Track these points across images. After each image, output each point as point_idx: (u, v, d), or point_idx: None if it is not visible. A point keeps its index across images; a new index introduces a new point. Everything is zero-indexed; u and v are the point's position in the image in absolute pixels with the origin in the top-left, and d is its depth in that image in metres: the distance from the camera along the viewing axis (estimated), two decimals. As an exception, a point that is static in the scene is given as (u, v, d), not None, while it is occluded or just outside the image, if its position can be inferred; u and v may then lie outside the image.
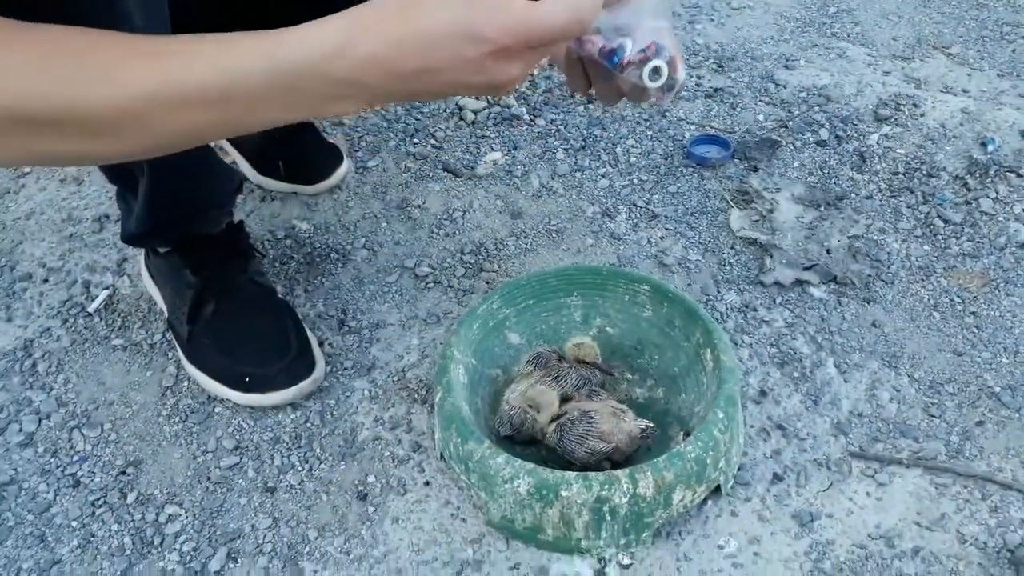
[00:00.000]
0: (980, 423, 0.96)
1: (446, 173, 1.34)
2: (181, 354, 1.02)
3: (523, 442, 0.91)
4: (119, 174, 0.94)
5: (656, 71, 0.66)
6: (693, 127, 1.41)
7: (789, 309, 1.10)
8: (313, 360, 1.00)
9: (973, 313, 1.09)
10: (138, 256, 1.17)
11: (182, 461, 0.95)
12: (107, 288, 1.16)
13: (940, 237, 1.20)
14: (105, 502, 0.91)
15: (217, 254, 1.02)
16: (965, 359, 1.03)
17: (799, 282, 1.13)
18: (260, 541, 0.87)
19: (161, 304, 1.07)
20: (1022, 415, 0.96)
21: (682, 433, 0.88)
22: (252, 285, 1.03)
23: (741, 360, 1.02)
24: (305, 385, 0.98)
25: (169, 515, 0.90)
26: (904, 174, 1.30)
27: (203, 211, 1.00)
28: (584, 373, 0.92)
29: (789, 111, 1.43)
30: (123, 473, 0.94)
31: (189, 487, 0.92)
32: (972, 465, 0.91)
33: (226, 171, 1.01)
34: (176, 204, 0.96)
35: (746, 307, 1.10)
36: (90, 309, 1.13)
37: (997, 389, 0.99)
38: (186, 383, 1.03)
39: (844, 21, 1.72)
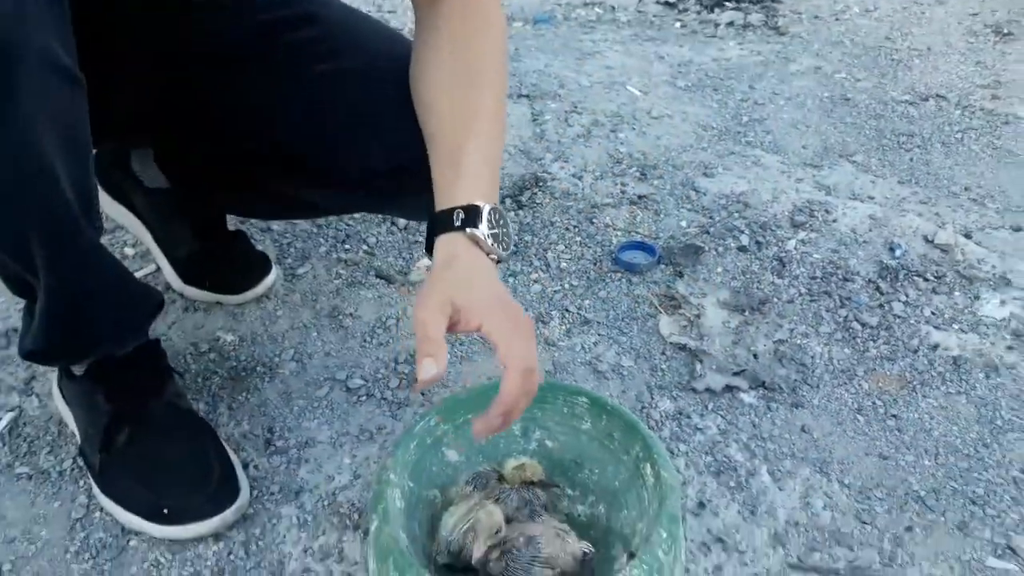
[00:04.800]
0: (909, 528, 0.98)
1: (379, 280, 1.33)
2: (93, 484, 0.96)
3: (463, 569, 0.87)
4: (19, 286, 0.88)
5: None
6: (619, 233, 1.45)
7: (721, 415, 1.11)
8: (237, 486, 0.95)
9: (894, 416, 1.13)
10: (48, 374, 1.10)
11: (91, 604, 0.88)
12: (12, 410, 1.08)
13: (859, 340, 1.25)
14: (1, 656, 0.83)
15: (133, 377, 0.96)
16: (890, 463, 1.06)
17: (729, 387, 1.15)
18: None
19: (73, 428, 1.01)
20: (947, 519, 0.99)
21: (626, 554, 0.87)
22: (169, 409, 0.98)
23: (678, 470, 1.02)
24: (228, 514, 0.92)
25: (75, 668, 0.82)
26: (822, 278, 1.36)
27: (110, 334, 0.94)
28: (526, 495, 0.90)
29: (710, 217, 1.49)
30: (23, 621, 0.86)
31: (98, 634, 0.85)
32: (905, 573, 0.93)
33: (142, 291, 0.96)
34: (76, 324, 0.89)
35: (680, 414, 1.11)
36: (-8, 433, 1.05)
37: (922, 493, 1.02)
38: (98, 514, 0.96)
39: (757, 130, 1.83)
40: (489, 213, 0.81)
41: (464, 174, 0.82)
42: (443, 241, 0.81)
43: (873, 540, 0.96)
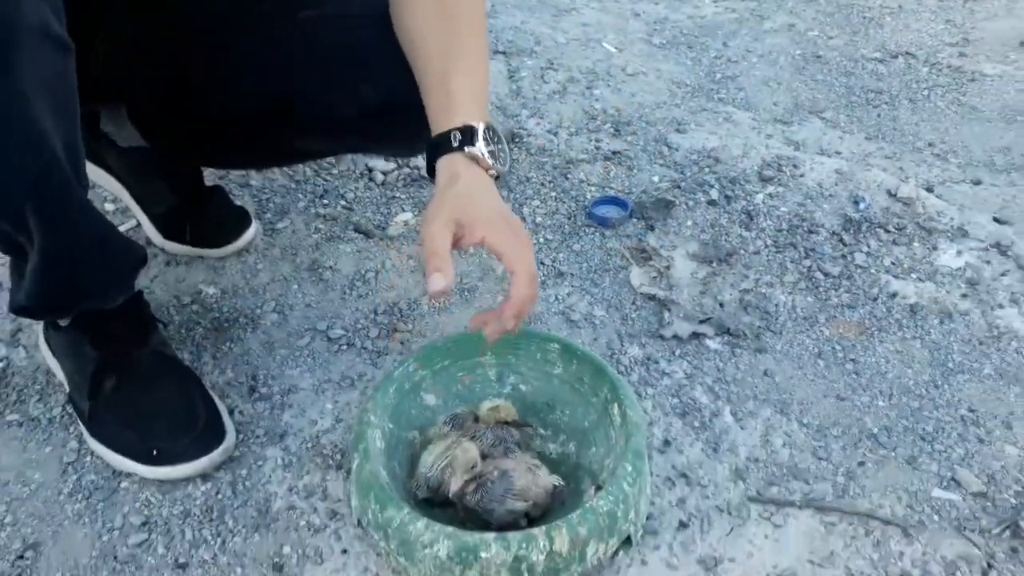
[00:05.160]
0: (862, 463, 1.04)
1: (357, 234, 1.36)
2: (83, 429, 0.99)
3: (441, 504, 0.92)
4: (9, 244, 0.90)
5: None
6: (593, 188, 1.48)
7: (688, 361, 1.16)
8: (223, 430, 0.99)
9: (852, 360, 1.18)
10: (34, 326, 1.13)
11: (86, 541, 0.92)
12: (0, 360, 1.11)
13: (821, 289, 1.30)
14: (1, 590, 0.87)
15: (118, 327, 0.99)
16: (847, 403, 1.12)
17: (696, 335, 1.20)
18: (171, 621, 0.85)
19: (61, 377, 1.04)
20: (897, 454, 1.05)
21: (594, 487, 0.92)
22: (155, 356, 1.01)
23: (645, 411, 1.07)
24: (215, 456, 0.96)
25: (72, 600, 0.86)
26: (787, 231, 1.40)
27: (99, 289, 0.97)
28: (500, 433, 0.95)
29: (682, 172, 1.53)
30: (21, 558, 0.90)
31: (95, 568, 0.89)
32: (856, 503, 0.99)
33: (126, 247, 0.98)
34: (68, 281, 0.93)
35: (648, 360, 1.16)
36: (-19, 383, 1.08)
37: (875, 430, 1.08)
38: (89, 458, 0.99)
39: (729, 87, 1.86)
40: (484, 131, 0.85)
41: (455, 97, 0.86)
42: (443, 163, 0.85)
43: (828, 474, 1.02)
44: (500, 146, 0.87)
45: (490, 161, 0.85)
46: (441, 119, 0.86)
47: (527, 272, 0.82)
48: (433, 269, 0.78)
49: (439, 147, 0.86)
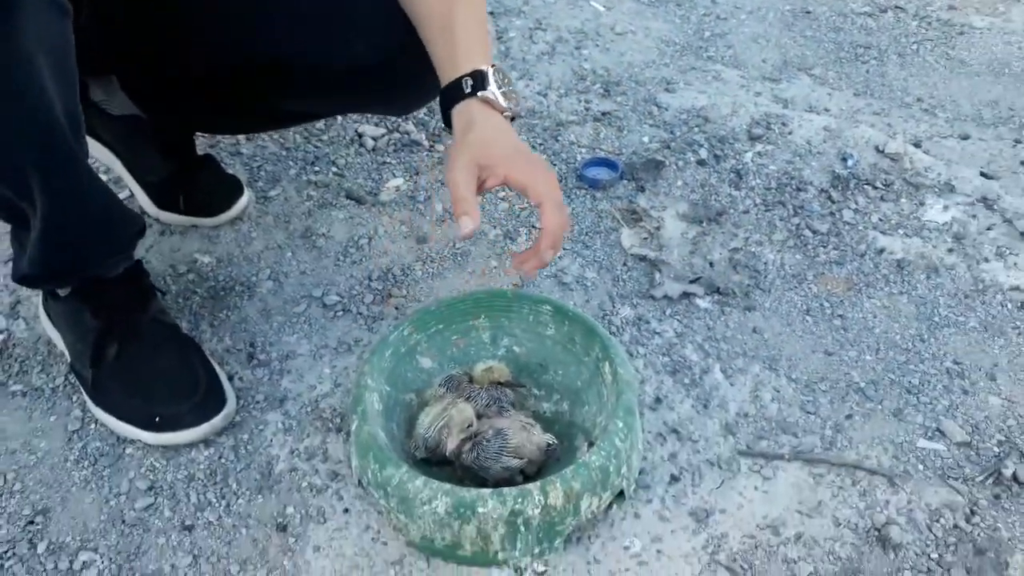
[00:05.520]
0: (849, 416, 1.07)
1: (349, 200, 1.36)
2: (86, 397, 1.01)
3: (438, 463, 0.95)
4: (11, 212, 0.92)
5: None
6: (584, 150, 1.49)
7: (678, 320, 1.18)
8: (224, 396, 1.01)
9: (840, 316, 1.21)
10: (33, 298, 1.14)
11: (94, 505, 0.94)
12: (1, 332, 1.12)
13: (810, 247, 1.31)
14: (14, 554, 0.90)
15: (118, 296, 1.01)
16: (834, 358, 1.14)
17: (686, 295, 1.22)
18: (180, 580, 0.88)
19: (62, 347, 1.05)
20: (884, 407, 1.08)
21: (587, 443, 0.95)
22: (155, 324, 1.03)
23: (637, 370, 1.10)
24: (217, 421, 0.98)
25: (84, 561, 0.89)
26: (776, 189, 1.41)
27: (101, 256, 0.98)
28: (494, 393, 0.97)
29: (671, 132, 1.53)
30: (31, 523, 0.92)
31: (103, 531, 0.92)
32: (844, 455, 1.02)
33: (126, 216, 0.99)
34: (71, 248, 0.94)
35: (639, 320, 1.18)
36: (-17, 355, 1.09)
37: (862, 384, 1.11)
38: (93, 426, 1.01)
39: (718, 45, 1.85)
40: (494, 74, 0.87)
41: (460, 43, 0.87)
42: (458, 110, 0.87)
43: (816, 428, 1.05)
44: (511, 87, 0.88)
45: (504, 103, 0.87)
46: (448, 66, 0.87)
47: (554, 201, 0.84)
48: (461, 213, 0.82)
49: (452, 95, 0.87)
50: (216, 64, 1.00)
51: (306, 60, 0.97)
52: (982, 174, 1.45)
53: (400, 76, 0.96)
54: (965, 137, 1.56)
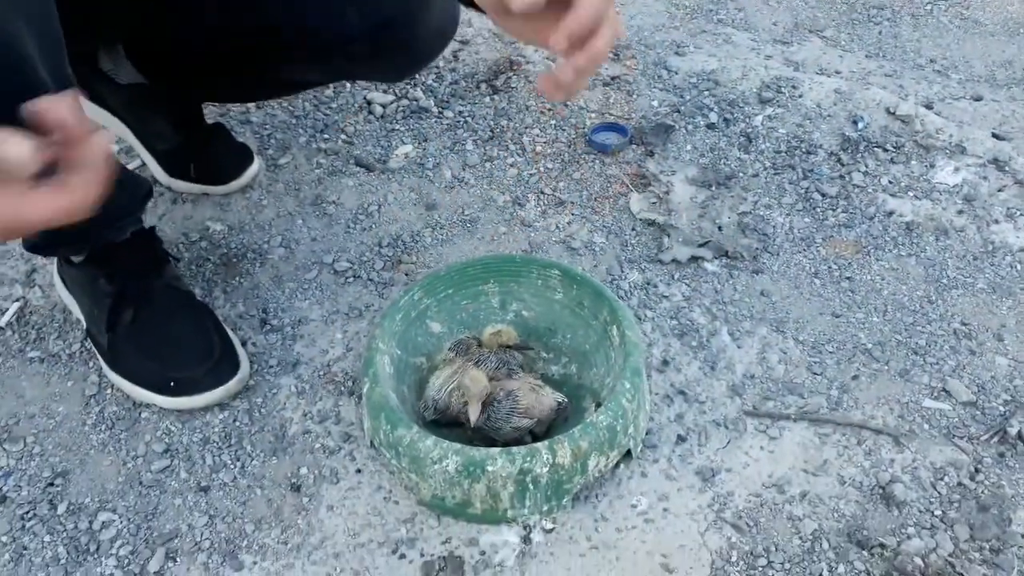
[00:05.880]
0: (855, 377, 1.07)
1: (359, 168, 1.37)
2: (103, 362, 1.03)
3: (448, 424, 0.96)
4: None
5: None
6: (593, 115, 1.48)
7: (686, 284, 1.19)
8: (237, 360, 1.02)
9: (848, 278, 1.21)
10: (48, 266, 1.16)
11: (112, 468, 0.96)
12: (17, 300, 1.14)
13: (819, 210, 1.31)
14: (35, 514, 0.92)
15: (132, 261, 1.02)
16: (842, 320, 1.15)
17: (694, 258, 1.22)
18: (198, 539, 0.90)
19: (78, 314, 1.07)
20: (890, 367, 1.08)
21: (594, 404, 0.96)
22: (169, 290, 1.05)
23: (644, 333, 1.11)
24: (231, 385, 1.00)
25: (103, 522, 0.92)
26: (786, 152, 1.41)
27: (110, 220, 0.99)
28: (503, 356, 0.98)
29: (681, 96, 1.52)
30: (51, 485, 0.95)
31: (121, 492, 0.94)
32: (849, 415, 1.03)
33: (133, 179, 1.01)
34: None
35: (647, 284, 1.19)
36: (1, 323, 1.11)
37: (869, 345, 1.11)
38: (110, 391, 1.03)
39: (729, 8, 1.83)
40: None
41: None
42: None
43: (822, 388, 1.06)
44: None
45: None
46: None
47: None
48: None
49: None
50: (211, 32, 1.00)
51: (298, 28, 0.97)
52: (994, 135, 1.44)
53: (391, 44, 0.96)
54: (978, 98, 1.55)
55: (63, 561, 0.89)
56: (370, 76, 1.30)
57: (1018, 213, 1.29)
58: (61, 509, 0.93)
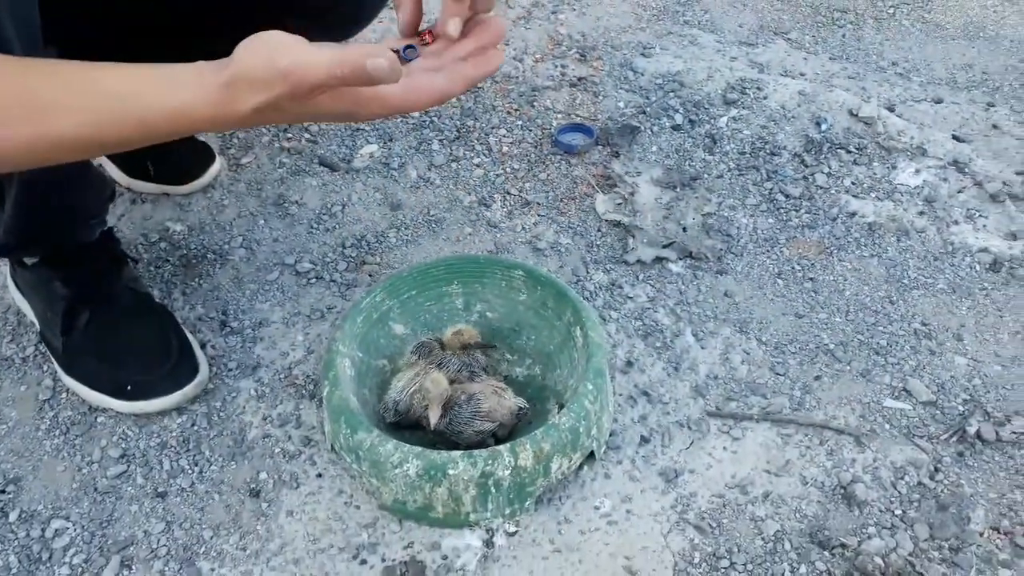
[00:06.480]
0: (818, 377, 1.08)
1: (322, 167, 1.35)
2: (57, 366, 1.01)
3: (409, 427, 0.95)
4: None
5: None
6: (559, 115, 1.48)
7: (651, 285, 1.19)
8: (196, 363, 1.00)
9: (811, 279, 1.22)
10: (1, 268, 1.13)
11: (66, 474, 0.94)
12: (-31, 303, 1.11)
13: (782, 211, 1.32)
14: (-15, 523, 0.90)
15: (89, 263, 1.00)
16: (805, 321, 1.15)
17: (659, 259, 1.22)
18: (154, 546, 0.88)
19: (31, 316, 1.04)
20: (852, 367, 1.09)
21: (558, 406, 0.96)
22: (127, 292, 1.03)
23: (609, 334, 1.10)
24: (189, 389, 0.98)
25: (56, 529, 0.89)
26: (750, 153, 1.41)
27: (76, 221, 0.97)
28: (466, 359, 0.98)
29: (647, 97, 1.53)
30: (2, 492, 0.92)
31: (75, 499, 0.92)
32: (811, 415, 1.03)
33: (99, 179, 0.99)
34: (47, 214, 0.93)
35: (612, 285, 1.19)
36: (-49, 326, 1.08)
37: (832, 346, 1.12)
38: (64, 395, 1.01)
39: (695, 9, 1.84)
40: None
41: None
42: None
43: (785, 388, 1.06)
44: None
45: None
46: None
47: None
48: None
49: None
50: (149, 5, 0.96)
51: None
52: (954, 137, 1.46)
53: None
54: (938, 101, 1.57)
55: (14, 570, 0.86)
56: (319, 36, 1.25)
57: (977, 214, 1.31)
58: (12, 517, 0.90)
